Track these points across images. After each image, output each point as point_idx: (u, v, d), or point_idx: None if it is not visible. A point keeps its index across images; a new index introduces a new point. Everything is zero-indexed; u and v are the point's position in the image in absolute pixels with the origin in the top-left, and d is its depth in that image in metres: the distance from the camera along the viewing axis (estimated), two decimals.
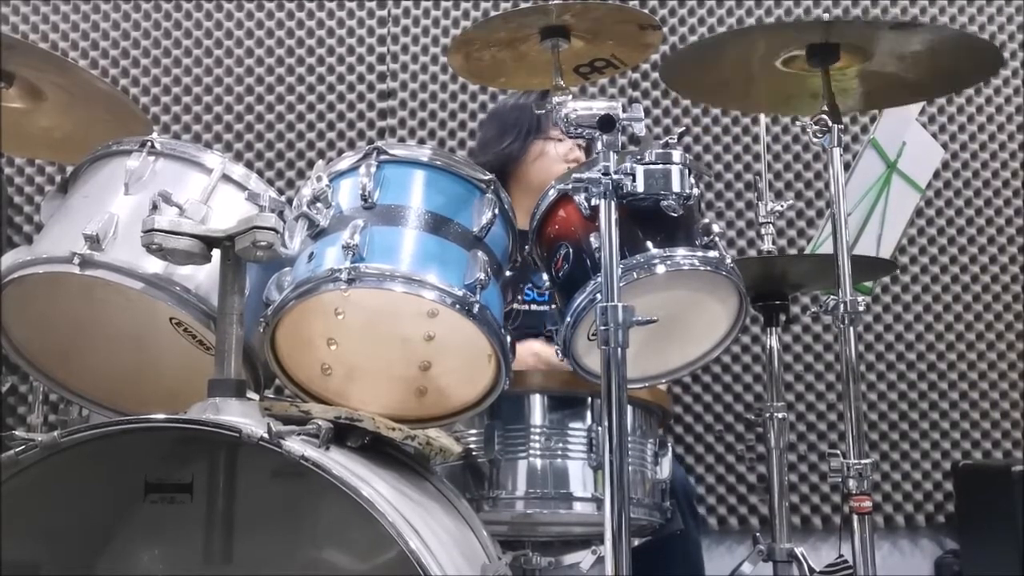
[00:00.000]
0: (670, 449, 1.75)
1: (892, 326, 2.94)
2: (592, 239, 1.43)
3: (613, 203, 1.32)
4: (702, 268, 1.45)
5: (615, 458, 1.24)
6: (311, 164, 2.81)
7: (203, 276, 1.39)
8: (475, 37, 1.71)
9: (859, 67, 1.70)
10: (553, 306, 1.57)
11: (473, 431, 1.67)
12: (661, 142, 1.40)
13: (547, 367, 1.88)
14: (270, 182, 2.59)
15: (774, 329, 2.22)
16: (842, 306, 1.59)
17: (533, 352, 1.91)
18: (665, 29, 2.97)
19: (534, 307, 2.13)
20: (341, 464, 1.16)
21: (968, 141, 3.04)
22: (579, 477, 1.63)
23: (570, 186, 1.52)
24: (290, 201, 1.38)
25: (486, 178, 1.49)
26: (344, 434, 1.33)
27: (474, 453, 1.66)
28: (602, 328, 1.27)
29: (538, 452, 1.63)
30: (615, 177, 1.32)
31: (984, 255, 3.00)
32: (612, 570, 1.21)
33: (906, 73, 1.71)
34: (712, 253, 1.47)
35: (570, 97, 1.47)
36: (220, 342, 1.29)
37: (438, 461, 1.61)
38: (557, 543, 1.88)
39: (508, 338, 1.41)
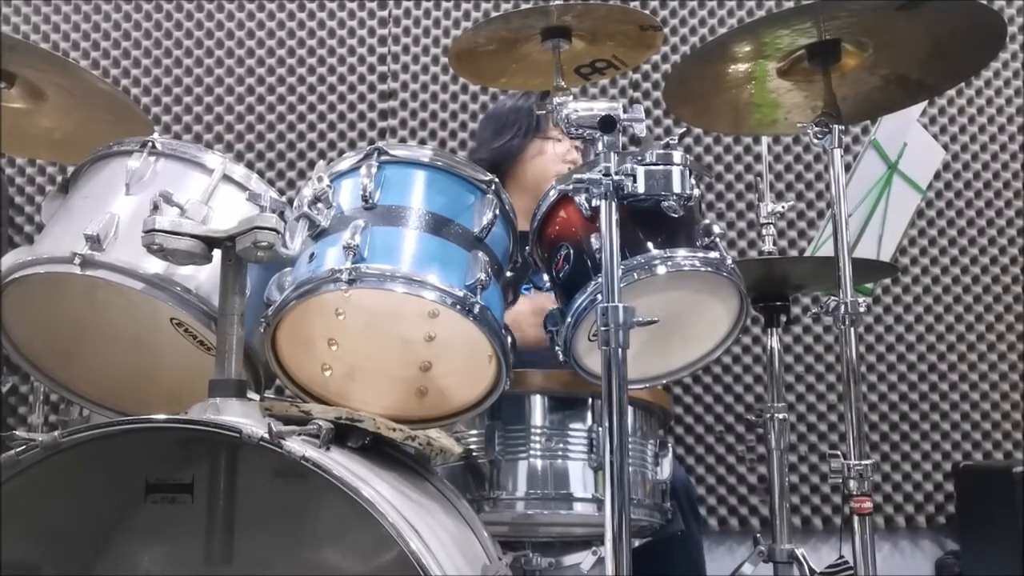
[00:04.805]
0: (671, 450, 1.75)
1: (893, 327, 2.94)
2: (593, 240, 1.43)
3: (614, 204, 1.32)
4: (703, 269, 1.45)
5: (616, 459, 1.24)
6: (312, 164, 2.82)
7: (204, 276, 1.39)
8: (476, 38, 1.71)
9: (860, 67, 1.70)
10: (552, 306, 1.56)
11: (474, 432, 1.67)
12: (662, 143, 1.40)
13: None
14: (271, 182, 2.59)
15: (775, 330, 2.21)
16: (843, 307, 1.59)
17: (528, 311, 1.91)
18: (666, 30, 2.97)
19: None
20: (342, 465, 1.16)
21: (969, 142, 3.04)
22: (579, 478, 1.63)
23: (571, 187, 1.51)
24: (291, 201, 1.38)
25: (487, 179, 1.49)
26: (345, 434, 1.33)
27: (475, 454, 1.66)
28: (603, 329, 1.27)
29: (539, 453, 1.63)
30: (616, 178, 1.32)
31: (985, 256, 3.00)
32: (612, 571, 1.21)
33: (908, 69, 1.71)
34: (713, 254, 1.47)
35: (571, 98, 1.47)
36: (221, 342, 1.29)
37: (439, 462, 1.61)
38: (557, 544, 1.88)
39: (509, 339, 1.41)
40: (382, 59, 2.98)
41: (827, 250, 1.87)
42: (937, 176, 2.92)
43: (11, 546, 1.17)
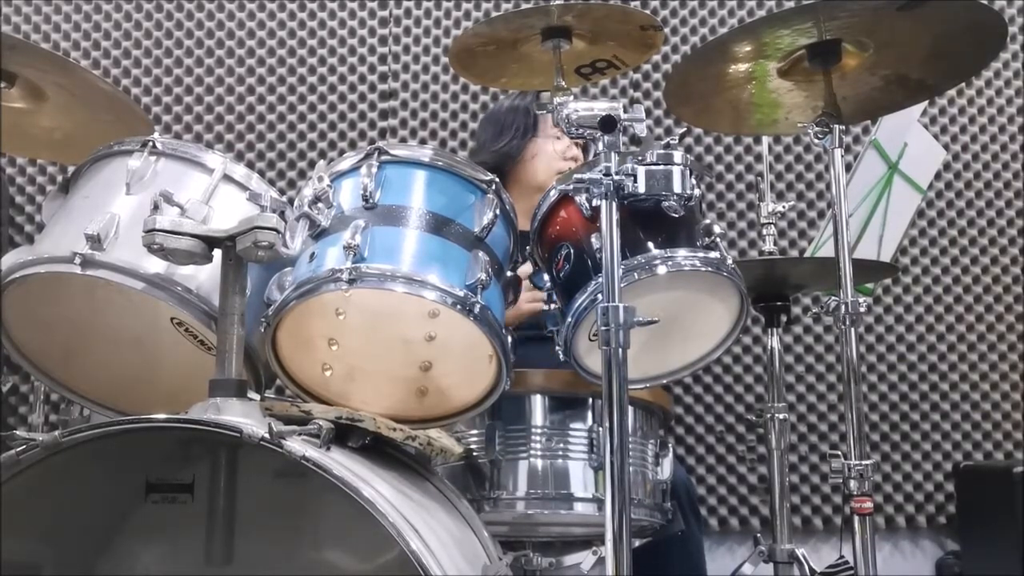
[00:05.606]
0: (671, 450, 1.75)
1: (893, 327, 2.94)
2: (593, 240, 1.43)
3: (614, 204, 1.32)
4: (703, 269, 1.45)
5: (616, 459, 1.24)
6: (312, 164, 2.82)
7: (204, 276, 1.39)
8: (477, 38, 1.71)
9: (861, 67, 1.70)
10: (553, 305, 1.56)
11: (474, 431, 1.68)
12: (662, 143, 1.40)
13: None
14: (271, 182, 2.60)
15: (775, 330, 2.21)
16: (843, 307, 1.59)
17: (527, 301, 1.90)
18: (666, 30, 2.97)
19: None
20: (342, 464, 1.16)
21: (969, 142, 3.04)
22: (580, 478, 1.63)
23: (571, 187, 1.52)
24: (291, 201, 1.38)
25: (487, 178, 1.49)
26: (345, 434, 1.33)
27: (475, 454, 1.66)
28: (603, 328, 1.27)
29: (539, 453, 1.63)
30: (616, 178, 1.32)
31: (985, 256, 3.00)
32: (613, 571, 1.21)
33: (909, 69, 1.71)
34: (713, 254, 1.47)
35: (571, 98, 1.47)
36: (221, 342, 1.29)
37: (439, 461, 1.61)
38: (558, 543, 1.88)
39: (509, 338, 1.41)
40: (383, 59, 2.98)
41: (827, 250, 1.87)
42: (938, 176, 2.92)
43: (11, 546, 1.17)
